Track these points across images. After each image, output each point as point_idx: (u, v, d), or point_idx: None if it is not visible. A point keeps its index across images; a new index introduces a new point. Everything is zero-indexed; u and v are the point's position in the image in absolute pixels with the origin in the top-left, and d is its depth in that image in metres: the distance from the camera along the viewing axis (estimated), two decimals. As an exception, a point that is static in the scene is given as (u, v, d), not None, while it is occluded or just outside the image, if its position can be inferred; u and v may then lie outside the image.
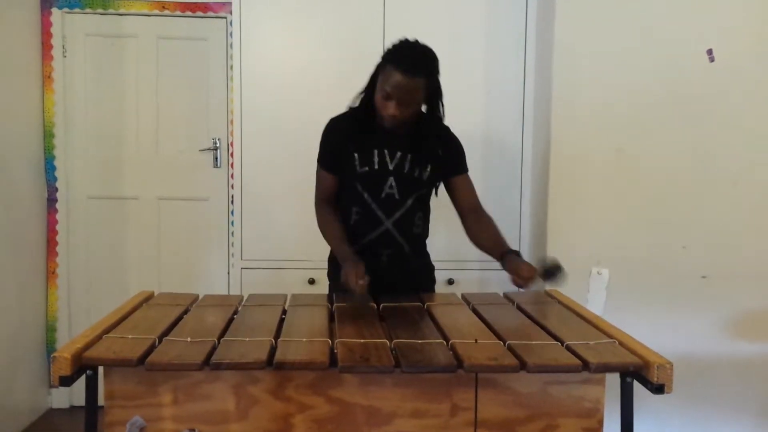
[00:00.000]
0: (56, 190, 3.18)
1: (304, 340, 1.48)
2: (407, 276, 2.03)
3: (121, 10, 3.12)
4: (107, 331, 1.52)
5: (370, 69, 1.92)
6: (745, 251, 2.57)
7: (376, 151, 1.96)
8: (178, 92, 3.18)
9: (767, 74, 2.52)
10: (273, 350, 1.41)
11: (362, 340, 1.47)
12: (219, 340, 1.47)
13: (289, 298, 1.90)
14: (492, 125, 2.85)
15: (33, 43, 3.08)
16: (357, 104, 1.99)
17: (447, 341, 1.48)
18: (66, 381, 1.32)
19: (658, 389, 1.34)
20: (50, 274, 3.20)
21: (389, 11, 2.79)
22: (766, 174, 2.55)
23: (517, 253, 1.90)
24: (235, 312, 1.75)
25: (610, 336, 1.53)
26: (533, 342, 1.48)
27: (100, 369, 1.40)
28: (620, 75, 2.53)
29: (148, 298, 1.88)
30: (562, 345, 1.46)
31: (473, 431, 1.46)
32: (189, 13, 3.13)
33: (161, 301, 1.86)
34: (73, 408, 3.24)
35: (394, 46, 1.88)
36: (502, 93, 2.85)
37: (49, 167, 3.17)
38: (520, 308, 1.82)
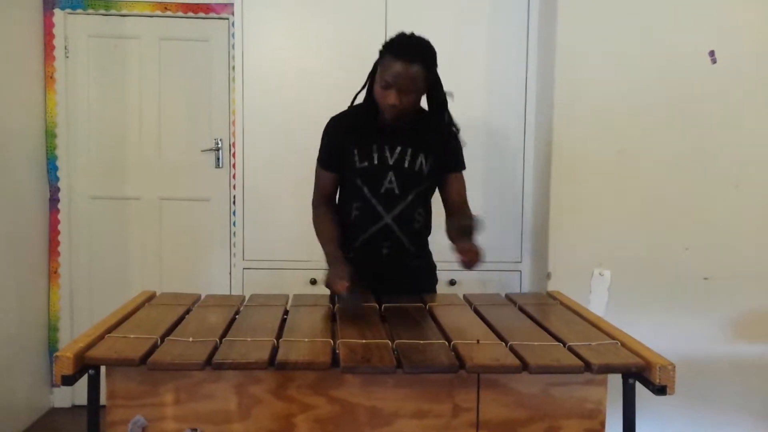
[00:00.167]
0: (58, 190, 3.18)
1: (306, 340, 1.48)
2: (408, 274, 2.03)
3: (124, 11, 3.12)
4: (109, 330, 1.52)
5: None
6: (747, 252, 2.57)
7: (375, 146, 1.96)
8: (180, 93, 3.18)
9: (769, 76, 2.52)
10: (275, 350, 1.41)
11: (364, 341, 1.47)
12: (221, 340, 1.47)
13: (290, 298, 1.90)
14: (494, 126, 2.85)
15: (35, 43, 3.08)
16: (357, 102, 2.00)
17: (449, 342, 1.48)
18: (68, 380, 1.33)
19: (660, 390, 1.34)
20: (52, 273, 3.20)
21: (391, 11, 2.79)
22: (768, 175, 2.55)
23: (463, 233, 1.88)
24: (237, 312, 1.75)
25: (612, 337, 1.53)
26: (535, 343, 1.48)
27: (103, 368, 1.41)
28: (622, 76, 2.53)
29: (150, 298, 1.88)
30: (564, 346, 1.46)
31: (475, 432, 1.46)
32: (191, 14, 3.13)
33: (163, 301, 1.87)
34: (75, 407, 3.24)
35: (392, 38, 1.91)
36: (504, 94, 2.84)
37: (51, 167, 3.17)
38: (522, 309, 1.82)
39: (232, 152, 3.14)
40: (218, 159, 3.19)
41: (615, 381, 1.45)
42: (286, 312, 1.77)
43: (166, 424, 1.44)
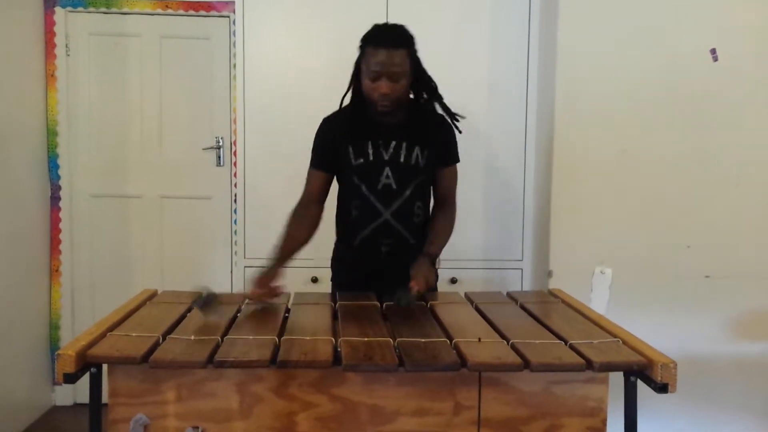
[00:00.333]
0: (59, 188, 3.18)
1: (308, 338, 1.48)
2: (407, 270, 2.03)
3: (125, 9, 3.12)
4: (111, 328, 1.52)
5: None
6: (748, 251, 2.56)
7: (370, 143, 1.96)
8: (181, 91, 3.18)
9: (771, 74, 2.52)
10: (276, 348, 1.41)
11: (366, 339, 1.47)
12: (222, 338, 1.47)
13: (292, 296, 1.90)
14: (495, 125, 2.85)
15: (36, 41, 3.08)
16: (346, 102, 2.01)
17: (450, 340, 1.48)
18: (70, 378, 1.33)
19: (662, 389, 1.34)
20: (53, 272, 3.20)
21: (392, 10, 2.79)
22: (770, 174, 2.55)
23: (429, 255, 1.92)
24: (239, 310, 1.75)
25: (613, 335, 1.53)
26: (536, 341, 1.48)
27: (104, 366, 1.41)
28: (623, 75, 2.53)
29: (152, 296, 1.89)
30: (566, 344, 1.46)
31: (476, 430, 1.46)
32: (192, 12, 3.13)
33: (165, 299, 1.87)
34: (76, 405, 3.25)
35: (368, 32, 1.93)
36: (505, 93, 2.84)
37: (53, 165, 3.17)
38: (523, 307, 1.82)
39: (233, 150, 3.14)
40: (219, 157, 3.19)
41: (616, 379, 1.45)
42: (287, 310, 1.77)
43: (168, 422, 1.45)
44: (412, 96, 2.00)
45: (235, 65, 2.90)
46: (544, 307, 1.84)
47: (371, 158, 1.96)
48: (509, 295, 1.97)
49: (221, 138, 3.18)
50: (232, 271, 3.17)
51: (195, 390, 1.44)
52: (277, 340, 1.46)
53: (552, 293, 2.00)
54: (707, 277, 2.57)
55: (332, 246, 2.15)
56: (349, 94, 2.01)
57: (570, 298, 1.91)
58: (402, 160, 1.97)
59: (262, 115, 2.82)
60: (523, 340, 1.47)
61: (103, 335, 1.47)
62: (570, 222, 2.57)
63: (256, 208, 2.85)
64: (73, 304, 3.22)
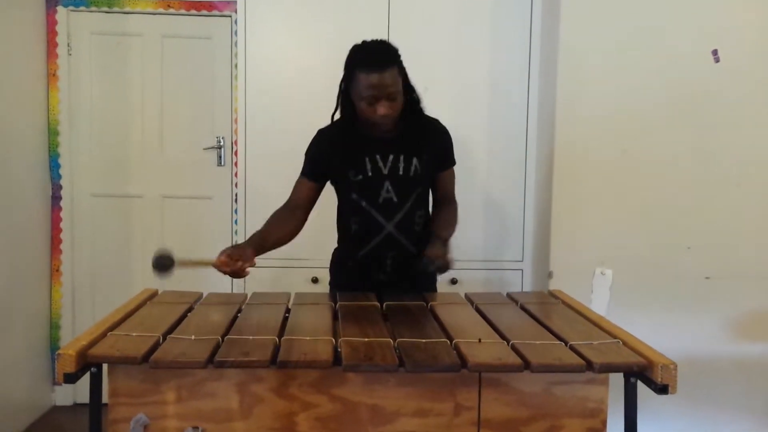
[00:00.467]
0: (60, 187, 3.19)
1: (308, 338, 1.48)
2: (409, 278, 2.02)
3: (126, 9, 3.12)
4: (112, 328, 1.52)
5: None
6: (749, 252, 2.56)
7: (368, 159, 1.95)
8: (182, 91, 3.19)
9: (772, 75, 2.52)
10: (277, 349, 1.41)
11: (366, 339, 1.47)
12: (223, 338, 1.47)
13: (292, 296, 1.90)
14: (496, 125, 2.85)
15: (38, 41, 3.08)
16: (337, 118, 2.00)
17: (451, 341, 1.48)
18: (70, 378, 1.33)
19: (662, 390, 1.34)
20: (54, 271, 3.21)
21: (394, 11, 2.79)
22: (771, 175, 2.55)
23: (437, 239, 1.91)
24: (239, 310, 1.75)
25: (613, 336, 1.52)
26: (537, 342, 1.48)
27: (105, 366, 1.41)
28: (625, 75, 2.53)
29: (153, 295, 1.89)
30: (566, 345, 1.46)
31: (477, 431, 1.46)
32: (194, 11, 3.14)
33: (165, 299, 1.87)
34: (76, 405, 3.25)
35: (353, 56, 1.89)
36: (506, 93, 2.84)
37: (54, 165, 3.18)
38: (523, 308, 1.82)
39: (234, 150, 3.14)
40: (220, 157, 3.19)
41: (617, 380, 1.45)
42: (287, 310, 1.77)
43: (168, 422, 1.45)
44: None
45: (236, 65, 2.90)
46: (544, 308, 1.83)
47: (370, 174, 1.95)
48: (509, 296, 1.97)
49: (222, 138, 3.18)
50: (232, 271, 3.17)
51: (195, 390, 1.44)
52: (277, 340, 1.46)
53: (552, 294, 2.00)
54: (707, 278, 2.57)
55: (332, 247, 2.14)
56: (338, 113, 1.99)
57: (570, 299, 1.91)
58: (401, 172, 1.96)
59: (263, 115, 2.82)
60: (523, 341, 1.47)
61: (103, 335, 1.47)
62: (570, 223, 2.57)
63: (256, 208, 2.84)
64: (74, 303, 3.22)
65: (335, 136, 1.99)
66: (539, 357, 1.37)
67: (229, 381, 1.44)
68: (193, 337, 1.47)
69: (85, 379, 1.39)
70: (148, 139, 3.20)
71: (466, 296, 1.96)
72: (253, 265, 1.79)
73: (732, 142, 2.54)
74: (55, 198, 3.19)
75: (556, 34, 2.58)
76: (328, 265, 2.16)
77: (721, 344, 2.59)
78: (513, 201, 2.86)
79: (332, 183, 2.04)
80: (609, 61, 2.53)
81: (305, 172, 2.04)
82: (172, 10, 3.13)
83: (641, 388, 1.40)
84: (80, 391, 3.21)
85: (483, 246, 2.86)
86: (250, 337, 1.47)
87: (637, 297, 2.55)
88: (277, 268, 2.83)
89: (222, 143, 3.18)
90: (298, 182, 2.05)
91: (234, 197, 3.15)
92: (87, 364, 1.37)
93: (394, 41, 1.95)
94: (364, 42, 1.91)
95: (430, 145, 2.00)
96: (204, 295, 1.92)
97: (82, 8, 3.12)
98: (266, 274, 2.82)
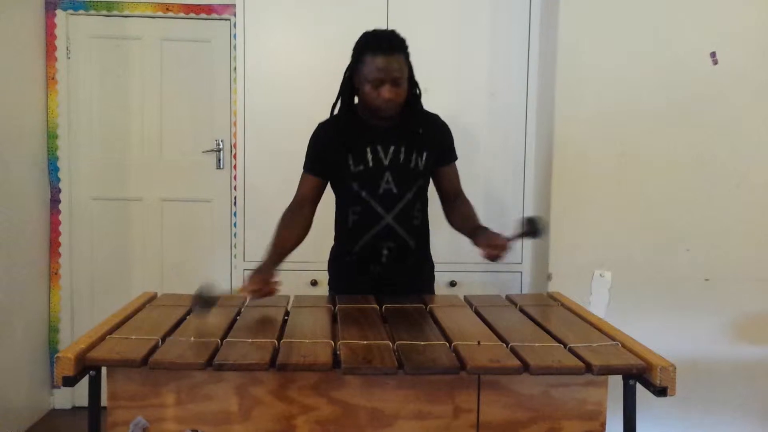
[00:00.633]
0: (59, 191, 3.19)
1: (307, 341, 1.48)
2: (406, 273, 2.03)
3: (125, 12, 3.12)
4: (110, 331, 1.52)
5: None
6: (748, 254, 2.57)
7: (369, 149, 1.97)
8: (181, 94, 3.19)
9: (770, 77, 2.52)
10: (276, 351, 1.41)
11: (365, 342, 1.47)
12: (222, 340, 1.47)
13: (291, 299, 1.90)
14: (495, 125, 2.85)
15: (37, 44, 3.09)
16: (338, 110, 2.01)
17: (450, 343, 1.48)
18: (69, 381, 1.33)
19: (661, 392, 1.34)
20: (53, 274, 3.20)
21: (393, 13, 2.79)
22: (769, 177, 2.55)
23: (486, 228, 1.93)
24: (238, 313, 1.75)
25: (612, 338, 1.53)
26: (536, 344, 1.48)
27: (104, 369, 1.41)
28: (623, 77, 2.53)
29: (151, 298, 1.89)
30: (565, 347, 1.46)
31: (476, 433, 1.46)
32: (193, 15, 3.14)
33: (164, 301, 1.87)
34: (75, 408, 3.25)
35: (362, 40, 1.94)
36: (505, 94, 2.84)
37: (53, 168, 3.18)
38: (522, 310, 1.82)
39: (233, 153, 3.15)
40: (219, 160, 3.19)
41: (616, 382, 1.45)
42: (287, 313, 1.77)
43: (167, 425, 1.44)
44: None
45: (235, 68, 2.90)
46: (543, 310, 1.84)
47: (371, 164, 1.96)
48: (508, 298, 1.97)
49: (221, 141, 3.18)
50: (231, 274, 3.17)
51: (194, 393, 1.44)
52: (276, 342, 1.46)
53: (551, 296, 2.00)
54: (707, 279, 2.57)
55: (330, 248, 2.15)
56: (339, 104, 2.01)
57: (569, 301, 1.91)
58: (402, 163, 1.97)
59: (262, 118, 2.82)
60: (522, 343, 1.47)
61: (102, 338, 1.47)
62: (569, 225, 2.57)
63: (255, 211, 2.85)
64: (73, 307, 3.22)
65: (336, 127, 2.01)
66: (538, 359, 1.37)
67: (228, 384, 1.44)
68: (192, 339, 1.47)
69: (84, 383, 1.39)
70: (147, 143, 3.20)
71: (465, 298, 1.96)
72: (278, 282, 1.83)
73: (731, 144, 2.54)
74: (54, 201, 3.19)
75: (554, 36, 2.59)
76: (327, 264, 2.16)
77: (720, 346, 2.59)
78: (511, 202, 2.86)
79: (331, 175, 2.04)
80: (607, 61, 2.53)
81: (307, 168, 2.05)
82: (171, 14, 3.13)
83: (640, 390, 1.40)
84: (79, 395, 3.20)
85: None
86: (249, 340, 1.47)
87: (636, 299, 2.55)
88: (276, 271, 2.82)
89: (221, 146, 3.18)
90: (302, 178, 2.06)
91: (233, 200, 3.16)
92: (86, 367, 1.37)
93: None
94: (374, 29, 1.95)
95: (432, 139, 2.01)
96: (203, 298, 1.91)
97: (81, 12, 3.12)
98: (265, 277, 2.82)
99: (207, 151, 3.19)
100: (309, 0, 2.81)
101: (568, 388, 1.47)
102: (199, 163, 3.20)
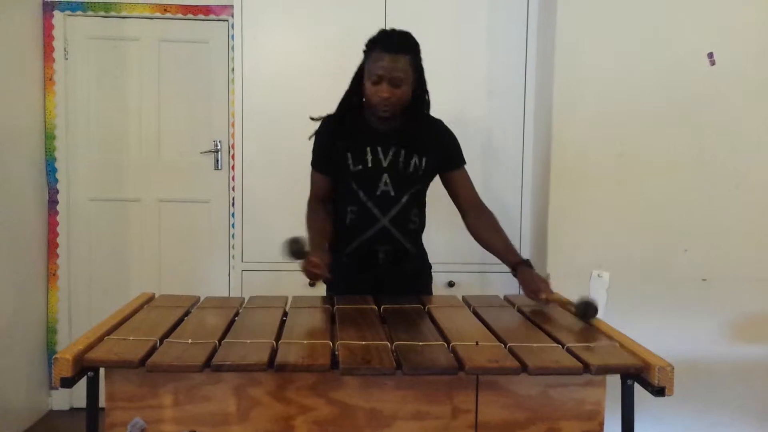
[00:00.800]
0: (57, 192, 3.18)
1: (305, 342, 1.48)
2: (404, 275, 2.03)
3: (123, 13, 3.12)
4: (108, 332, 1.52)
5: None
6: (746, 254, 2.57)
7: (369, 149, 1.97)
8: (179, 95, 3.19)
9: (768, 77, 2.53)
10: (274, 352, 1.41)
11: (363, 342, 1.47)
12: (220, 341, 1.47)
13: (289, 300, 1.90)
14: (493, 126, 2.85)
15: (35, 45, 3.08)
16: (345, 106, 2.01)
17: (448, 343, 1.48)
18: (67, 382, 1.32)
19: (659, 392, 1.34)
20: (51, 275, 3.20)
21: (390, 14, 2.80)
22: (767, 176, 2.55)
23: (528, 264, 1.91)
24: (236, 314, 1.75)
25: (610, 338, 1.53)
26: (534, 344, 1.48)
27: (101, 370, 1.40)
28: (621, 77, 2.54)
29: (149, 300, 1.88)
30: (563, 347, 1.46)
31: (474, 433, 1.46)
32: (191, 15, 3.14)
33: (162, 302, 1.86)
34: (73, 410, 3.24)
35: (374, 36, 1.94)
36: (503, 94, 2.85)
37: (50, 169, 3.17)
38: (520, 311, 1.82)
39: (231, 154, 3.15)
40: (217, 161, 3.19)
41: (614, 382, 1.45)
42: (285, 314, 1.76)
43: (165, 426, 1.44)
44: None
45: (233, 69, 2.91)
46: (541, 311, 1.83)
47: (370, 165, 1.96)
48: (507, 299, 1.97)
49: (219, 141, 3.18)
50: (229, 275, 3.17)
51: (192, 394, 1.44)
52: (274, 343, 1.46)
53: (550, 297, 2.00)
54: (704, 279, 2.57)
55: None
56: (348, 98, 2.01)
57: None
58: (401, 167, 1.97)
59: (260, 119, 2.82)
60: (520, 344, 1.47)
61: (100, 339, 1.47)
62: (567, 225, 2.57)
63: (253, 211, 2.85)
64: (71, 307, 3.22)
65: (339, 123, 2.01)
66: (536, 359, 1.37)
67: (226, 384, 1.44)
68: (189, 340, 1.47)
69: (82, 384, 1.38)
70: (145, 143, 3.20)
71: (464, 299, 1.96)
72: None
73: (730, 144, 2.55)
74: (52, 202, 3.18)
75: (552, 36, 2.59)
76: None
77: (718, 346, 2.59)
78: (510, 203, 2.87)
79: (334, 172, 2.03)
80: (606, 62, 2.54)
81: (315, 165, 2.06)
82: (168, 15, 3.13)
83: (638, 390, 1.40)
84: (77, 396, 3.20)
85: (480, 248, 2.85)
86: (248, 341, 1.47)
87: (634, 299, 2.55)
88: (274, 272, 2.83)
89: (219, 147, 3.18)
90: (313, 177, 2.08)
91: (231, 201, 3.16)
92: (84, 368, 1.37)
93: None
94: (392, 28, 1.96)
95: (433, 144, 2.00)
96: (201, 299, 1.91)
97: (78, 13, 3.12)
98: (263, 278, 2.83)
99: (205, 152, 3.19)
100: (307, 0, 2.82)
101: (566, 389, 1.47)
102: (197, 164, 3.20)
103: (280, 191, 2.84)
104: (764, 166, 2.56)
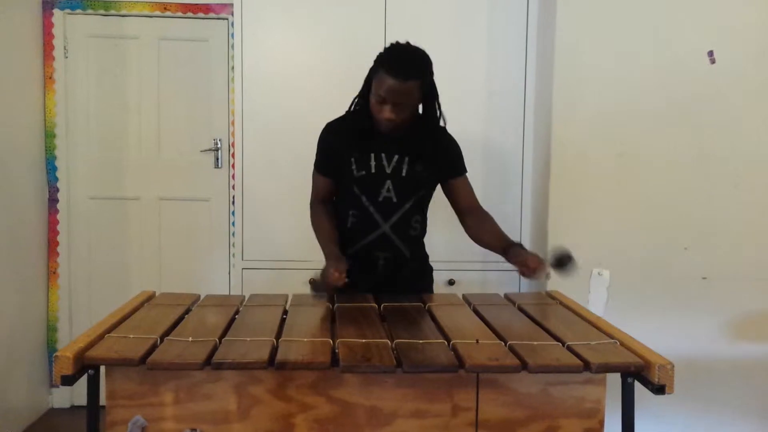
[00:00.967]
0: (57, 190, 3.18)
1: (306, 340, 1.48)
2: (403, 279, 2.03)
3: (123, 12, 3.12)
4: (109, 330, 1.52)
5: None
6: (746, 252, 2.57)
7: (373, 155, 1.96)
8: (179, 93, 3.19)
9: (768, 76, 2.53)
10: (274, 350, 1.41)
11: (363, 340, 1.47)
12: (220, 340, 1.47)
13: (290, 298, 1.90)
14: (493, 126, 2.85)
15: (34, 44, 3.08)
16: (353, 108, 2.00)
17: (448, 341, 1.48)
18: (68, 380, 1.33)
19: (659, 390, 1.34)
20: (51, 274, 3.20)
21: (390, 13, 2.79)
22: (767, 176, 2.55)
23: (520, 246, 1.91)
24: (237, 312, 1.75)
25: (611, 336, 1.53)
26: (534, 342, 1.48)
27: (102, 368, 1.41)
28: (621, 77, 2.53)
29: (150, 298, 1.88)
30: (563, 345, 1.47)
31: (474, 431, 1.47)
32: (190, 14, 3.14)
33: (162, 301, 1.87)
34: (74, 408, 3.24)
35: (386, 50, 1.89)
36: (503, 95, 2.85)
37: (50, 167, 3.17)
38: (521, 309, 1.82)
39: (231, 152, 3.15)
40: (217, 159, 3.19)
41: (614, 380, 1.46)
42: (285, 312, 1.77)
43: (166, 424, 1.44)
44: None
45: (233, 67, 2.90)
46: (541, 309, 1.84)
47: (373, 171, 1.96)
48: (507, 297, 1.98)
49: (219, 140, 3.18)
50: (230, 273, 3.17)
51: (193, 392, 1.44)
52: (275, 341, 1.46)
53: (550, 295, 2.00)
54: (704, 278, 2.57)
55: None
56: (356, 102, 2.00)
57: (567, 300, 1.91)
58: (404, 174, 1.96)
59: (260, 117, 2.82)
60: (520, 342, 1.47)
61: (100, 337, 1.47)
62: (568, 224, 2.57)
63: (254, 210, 2.85)
64: (71, 306, 3.22)
65: (344, 128, 2.00)
66: (537, 357, 1.38)
67: (227, 383, 1.45)
68: (190, 338, 1.47)
69: (83, 382, 1.39)
70: (144, 142, 3.20)
71: (464, 297, 1.96)
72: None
73: (730, 143, 2.55)
74: (52, 200, 3.18)
75: (552, 36, 2.59)
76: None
77: (718, 344, 2.59)
78: (510, 202, 2.87)
79: (338, 176, 2.03)
80: (605, 62, 2.53)
81: (318, 168, 2.06)
82: (168, 13, 3.13)
83: (638, 388, 1.41)
84: (78, 394, 3.20)
85: (480, 247, 2.86)
86: (248, 339, 1.48)
87: (634, 297, 2.56)
88: (275, 270, 2.83)
89: (219, 145, 3.18)
90: (315, 179, 2.07)
91: (231, 199, 3.16)
92: (84, 366, 1.37)
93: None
94: (405, 44, 1.89)
95: (437, 152, 1.99)
96: (201, 297, 1.91)
97: (78, 11, 3.12)
98: (263, 276, 2.83)
99: (205, 151, 3.19)
100: (307, -1, 2.82)
101: (566, 387, 1.47)
102: (197, 163, 3.20)
103: (280, 189, 2.84)
104: (764, 165, 2.55)
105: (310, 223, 2.05)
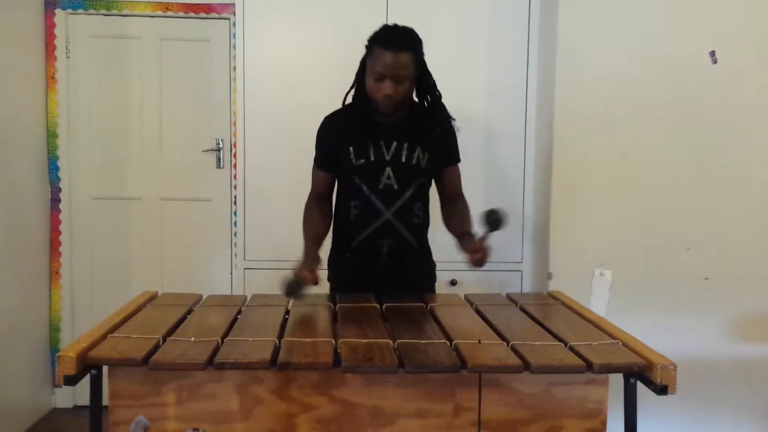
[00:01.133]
0: (59, 190, 3.19)
1: (308, 340, 1.48)
2: (407, 272, 2.03)
3: (125, 12, 3.12)
4: (111, 330, 1.52)
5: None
6: (748, 253, 2.57)
7: (371, 143, 1.97)
8: (181, 93, 3.19)
9: (770, 76, 2.52)
10: (276, 350, 1.41)
11: (366, 340, 1.47)
12: (222, 340, 1.47)
13: (292, 298, 1.90)
14: (495, 126, 2.85)
15: (36, 44, 3.09)
16: (349, 100, 2.02)
17: (450, 342, 1.48)
18: (71, 380, 1.33)
19: (662, 390, 1.34)
20: (53, 274, 3.20)
21: (392, 13, 2.79)
22: (769, 175, 2.56)
23: (471, 235, 1.94)
24: (239, 312, 1.75)
25: (613, 337, 1.53)
26: (536, 343, 1.48)
27: (105, 368, 1.41)
28: (623, 77, 2.53)
29: (152, 298, 1.89)
30: (566, 346, 1.47)
31: (476, 432, 1.47)
32: (192, 14, 3.14)
33: (165, 301, 1.87)
34: (76, 407, 3.25)
35: (377, 31, 1.94)
36: (505, 94, 2.84)
37: (53, 167, 3.18)
38: (523, 309, 1.82)
39: (233, 152, 3.15)
40: (219, 159, 3.19)
41: (616, 381, 1.46)
42: (287, 312, 1.77)
43: (168, 424, 1.45)
44: (415, 98, 2.02)
45: (234, 67, 2.90)
46: (543, 309, 1.84)
47: (372, 158, 1.97)
48: (509, 297, 1.98)
49: (221, 140, 3.18)
50: (232, 273, 3.17)
51: (195, 392, 1.44)
52: (277, 341, 1.46)
53: (552, 295, 2.00)
54: (707, 278, 2.57)
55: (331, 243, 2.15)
56: (352, 92, 2.01)
57: (570, 300, 1.91)
58: (403, 160, 1.97)
59: (262, 117, 2.82)
60: (523, 342, 1.47)
61: (103, 337, 1.47)
62: (570, 224, 2.57)
63: (256, 210, 2.85)
64: (73, 306, 3.22)
65: (341, 119, 2.02)
66: (539, 358, 1.38)
67: (229, 382, 1.45)
68: (192, 338, 1.47)
69: (85, 382, 1.39)
70: (146, 142, 3.20)
71: (466, 297, 1.96)
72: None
73: (731, 143, 2.54)
74: (54, 200, 3.19)
75: (554, 36, 2.58)
76: (327, 266, 2.16)
77: (721, 345, 2.59)
78: (512, 202, 2.86)
79: (338, 169, 2.05)
80: (607, 62, 2.53)
81: (317, 163, 2.07)
82: (170, 13, 3.13)
83: (641, 388, 1.40)
84: (80, 394, 3.20)
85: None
86: (250, 339, 1.48)
87: (636, 298, 2.55)
88: (277, 270, 2.82)
89: (221, 145, 3.18)
90: (313, 173, 2.09)
91: (233, 199, 3.16)
92: (87, 366, 1.37)
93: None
94: (395, 24, 1.97)
95: (435, 139, 2.01)
96: (203, 297, 1.92)
97: (80, 11, 3.12)
98: (265, 276, 2.83)
99: (207, 150, 3.20)
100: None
101: (568, 387, 1.47)
102: (199, 163, 3.20)
103: (282, 189, 2.84)
104: (765, 165, 2.55)
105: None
